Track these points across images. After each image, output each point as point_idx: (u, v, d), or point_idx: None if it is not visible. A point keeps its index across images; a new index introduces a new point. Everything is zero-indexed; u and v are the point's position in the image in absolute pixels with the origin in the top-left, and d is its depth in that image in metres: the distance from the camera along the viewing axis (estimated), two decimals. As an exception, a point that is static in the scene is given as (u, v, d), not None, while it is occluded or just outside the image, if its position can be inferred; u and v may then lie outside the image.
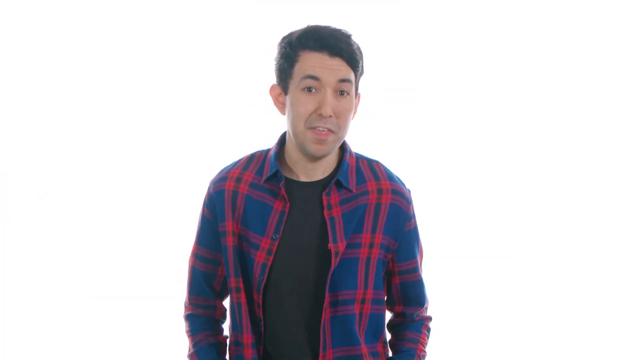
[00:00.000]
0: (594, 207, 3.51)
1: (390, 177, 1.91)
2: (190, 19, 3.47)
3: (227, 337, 1.95)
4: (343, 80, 1.76)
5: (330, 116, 1.75)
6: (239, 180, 1.88)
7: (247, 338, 1.84)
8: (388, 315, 1.99)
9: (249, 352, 1.84)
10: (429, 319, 2.01)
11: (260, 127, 2.56)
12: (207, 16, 3.46)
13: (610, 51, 3.47)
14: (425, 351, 1.96)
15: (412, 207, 1.92)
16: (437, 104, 3.47)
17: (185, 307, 1.99)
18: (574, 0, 3.47)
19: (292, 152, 1.86)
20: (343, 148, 1.91)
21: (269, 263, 1.81)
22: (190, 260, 1.97)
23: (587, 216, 3.50)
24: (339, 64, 1.75)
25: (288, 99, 1.80)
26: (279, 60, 1.82)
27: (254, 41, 3.23)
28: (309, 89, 1.76)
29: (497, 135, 3.50)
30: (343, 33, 1.78)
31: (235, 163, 1.94)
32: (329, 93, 1.75)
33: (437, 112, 3.47)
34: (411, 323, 1.97)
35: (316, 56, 1.75)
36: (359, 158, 1.92)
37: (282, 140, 1.91)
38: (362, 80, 1.88)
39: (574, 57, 3.48)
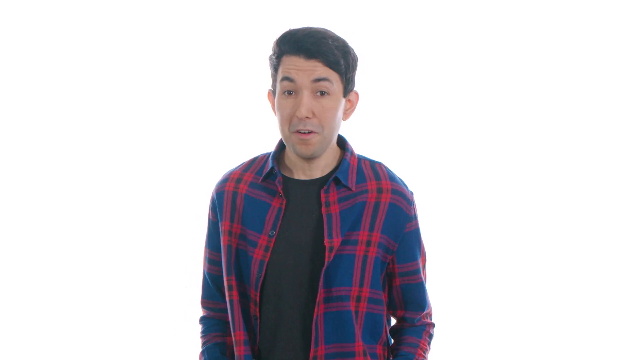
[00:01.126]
0: (594, 207, 3.50)
1: (391, 177, 1.91)
2: (195, 22, 3.47)
3: None
4: (319, 80, 1.77)
5: (308, 117, 1.77)
6: (239, 181, 1.92)
7: (240, 335, 1.86)
8: (392, 321, 1.99)
9: (241, 349, 1.86)
10: (432, 325, 2.00)
11: (267, 130, 2.57)
12: (214, 18, 3.46)
13: (610, 51, 3.46)
14: (425, 356, 1.96)
15: (414, 208, 1.93)
16: (437, 103, 3.47)
17: (201, 310, 2.03)
18: (574, 0, 3.47)
19: (290, 152, 1.89)
20: (344, 148, 1.92)
21: (266, 260, 1.84)
22: (202, 263, 2.01)
23: (587, 216, 3.49)
24: (315, 65, 1.77)
25: (275, 103, 1.84)
26: (269, 67, 1.86)
27: (259, 43, 3.21)
28: (289, 92, 1.79)
29: (497, 135, 3.49)
30: (322, 34, 1.79)
31: (238, 165, 1.98)
32: (305, 95, 1.77)
33: (437, 112, 3.47)
34: (412, 328, 1.96)
35: (293, 59, 1.78)
36: (361, 159, 1.93)
37: (282, 142, 1.93)
38: (363, 81, 1.88)
39: (574, 57, 3.47)
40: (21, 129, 3.51)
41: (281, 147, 1.93)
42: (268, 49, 1.85)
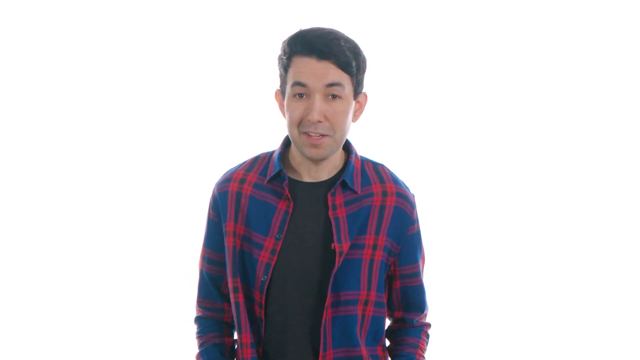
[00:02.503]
0: (594, 208, 3.51)
1: (395, 180, 1.92)
2: (202, 22, 3.46)
3: (235, 339, 1.96)
4: (332, 85, 1.76)
5: (320, 121, 1.76)
6: (242, 181, 1.90)
7: (246, 338, 1.85)
8: (387, 322, 2.00)
9: (248, 352, 1.85)
10: (429, 325, 2.02)
11: (267, 128, 2.56)
12: (220, 19, 3.45)
13: (610, 51, 3.47)
14: (424, 356, 1.97)
15: (416, 211, 1.93)
16: (437, 104, 3.46)
17: (195, 310, 2.01)
18: (574, 0, 3.46)
19: (295, 153, 1.87)
20: (348, 150, 1.92)
21: (273, 263, 1.82)
22: (199, 263, 1.99)
23: (587, 218, 3.50)
24: (328, 68, 1.75)
25: (284, 104, 1.82)
26: (278, 67, 1.84)
27: (262, 42, 3.21)
28: (300, 95, 1.77)
29: (497, 135, 3.49)
30: (333, 35, 1.77)
31: (240, 165, 1.96)
32: (317, 99, 1.76)
33: (437, 112, 3.46)
34: (411, 329, 1.98)
35: (305, 61, 1.76)
36: (364, 161, 1.93)
37: (287, 142, 1.93)
38: (369, 81, 1.87)
39: (574, 58, 3.48)
40: (23, 129, 3.47)
41: (285, 146, 1.92)
42: (268, 50, 1.84)
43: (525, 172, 3.50)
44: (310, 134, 1.77)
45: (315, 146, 1.78)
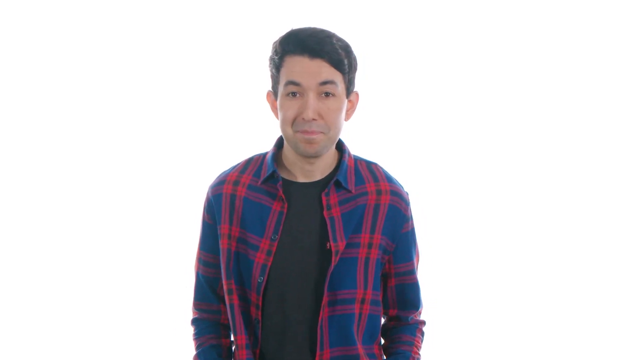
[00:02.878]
0: (594, 207, 3.50)
1: (388, 178, 1.93)
2: (193, 24, 3.45)
3: (232, 341, 1.97)
4: (325, 83, 1.77)
5: (315, 119, 1.77)
6: (236, 183, 1.91)
7: (241, 339, 1.86)
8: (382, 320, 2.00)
9: (244, 353, 1.86)
10: (423, 323, 2.03)
11: (261, 130, 2.56)
12: (214, 19, 3.45)
13: (610, 51, 3.46)
14: (419, 354, 1.98)
15: (410, 209, 1.94)
16: (437, 104, 3.46)
17: (192, 312, 2.01)
18: (574, 0, 3.46)
19: (289, 153, 1.88)
20: (341, 149, 1.93)
21: (269, 264, 1.83)
22: (195, 265, 2.00)
23: (587, 216, 3.50)
24: (321, 66, 1.76)
25: (277, 103, 1.83)
26: (269, 67, 1.85)
27: (256, 42, 3.20)
28: (293, 94, 1.78)
29: (489, 133, 3.49)
30: (325, 33, 1.79)
31: (233, 167, 1.96)
32: (311, 97, 1.77)
33: (437, 112, 3.46)
34: (406, 326, 1.99)
35: (297, 60, 1.77)
36: (357, 160, 1.94)
37: (280, 143, 1.93)
38: (362, 81, 1.88)
39: (573, 58, 3.47)
40: (18, 128, 3.46)
41: (278, 147, 1.93)
42: (260, 51, 1.84)
43: (519, 170, 3.49)
44: (306, 129, 1.78)
45: (310, 141, 1.79)
